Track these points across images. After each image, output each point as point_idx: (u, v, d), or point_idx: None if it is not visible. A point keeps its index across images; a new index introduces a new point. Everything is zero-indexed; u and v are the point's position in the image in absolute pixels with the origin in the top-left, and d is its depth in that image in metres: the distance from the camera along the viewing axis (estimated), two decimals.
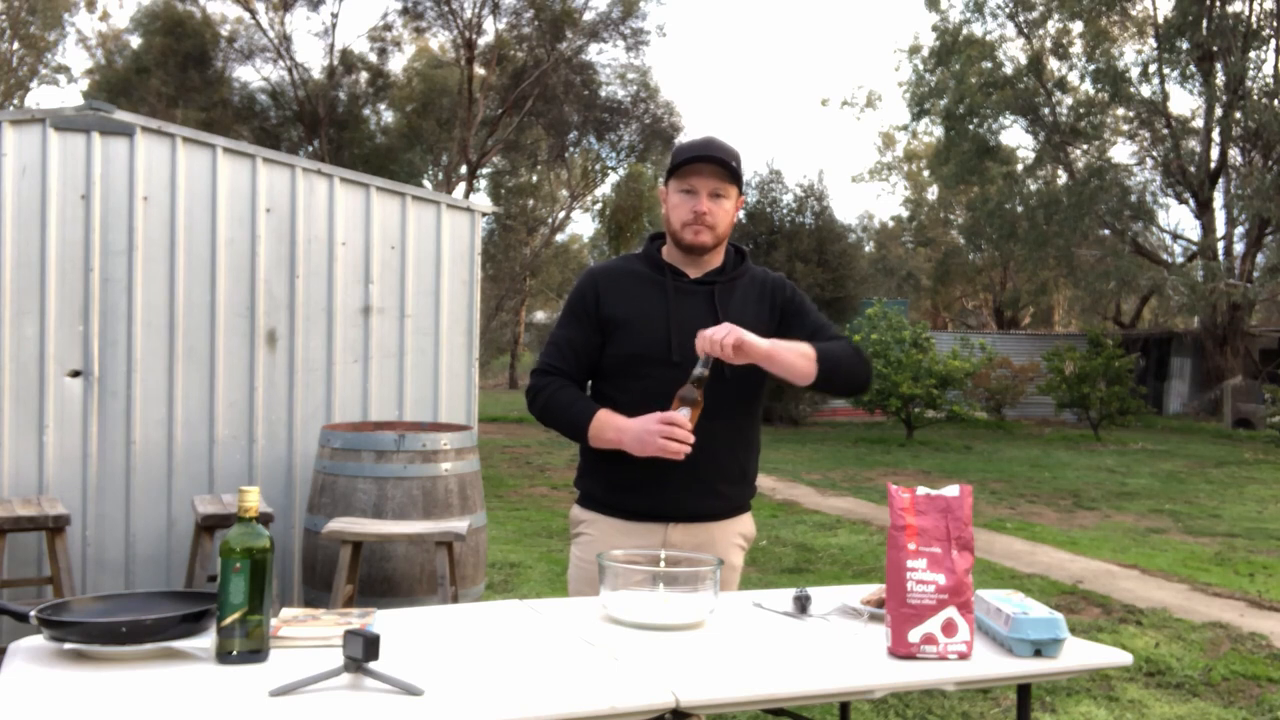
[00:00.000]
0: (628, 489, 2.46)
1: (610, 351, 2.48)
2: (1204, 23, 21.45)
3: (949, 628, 1.95)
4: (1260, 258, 22.04)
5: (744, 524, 2.60)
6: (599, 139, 29.01)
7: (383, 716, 1.57)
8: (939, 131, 28.17)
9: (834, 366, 2.43)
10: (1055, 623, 1.98)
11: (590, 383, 2.58)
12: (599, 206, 33.10)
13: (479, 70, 26.76)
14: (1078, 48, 24.57)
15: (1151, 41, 23.68)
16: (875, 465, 13.68)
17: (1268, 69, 21.77)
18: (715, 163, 2.42)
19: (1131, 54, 25.68)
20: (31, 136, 4.85)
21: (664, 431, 2.29)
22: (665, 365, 2.41)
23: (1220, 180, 22.71)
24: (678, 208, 2.47)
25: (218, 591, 1.79)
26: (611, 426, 2.39)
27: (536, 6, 25.61)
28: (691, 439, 2.29)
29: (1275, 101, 20.76)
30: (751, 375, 2.46)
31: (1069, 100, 24.69)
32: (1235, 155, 22.93)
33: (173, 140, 5.11)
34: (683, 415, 2.29)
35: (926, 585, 1.96)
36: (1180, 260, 25.34)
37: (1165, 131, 23.38)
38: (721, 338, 2.25)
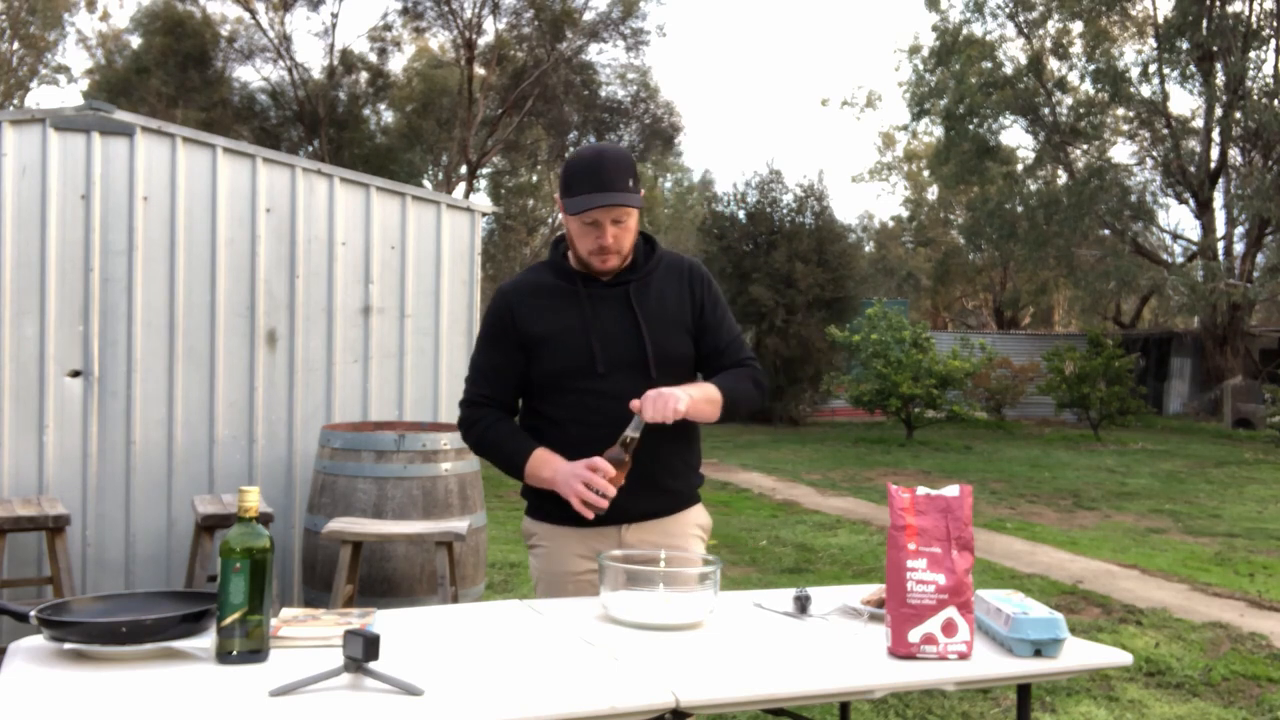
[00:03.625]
0: None
1: (536, 370, 2.44)
2: (1204, 23, 21.44)
3: (949, 628, 1.95)
4: (1260, 258, 22.04)
5: (698, 514, 2.59)
6: (599, 139, 29.00)
7: (383, 716, 1.57)
8: (939, 131, 28.16)
9: (732, 408, 2.45)
10: (1055, 623, 1.98)
11: (522, 401, 2.53)
12: None
13: (479, 70, 26.76)
14: (1078, 48, 24.59)
15: (1151, 41, 23.68)
16: (875, 465, 13.68)
17: (1268, 69, 21.78)
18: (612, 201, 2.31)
19: (1131, 54, 25.70)
20: (31, 136, 4.85)
21: (583, 481, 2.25)
22: (592, 377, 2.38)
23: (1220, 180, 22.71)
24: (581, 237, 2.38)
25: (218, 591, 1.79)
26: (547, 466, 2.36)
27: (536, 6, 25.61)
28: (610, 493, 2.25)
29: (1275, 101, 20.76)
30: (680, 372, 2.45)
31: (1069, 100, 24.69)
32: (1235, 155, 22.93)
33: (173, 140, 5.11)
34: (608, 468, 2.25)
35: (926, 585, 1.96)
36: (1180, 260, 25.34)
37: (1165, 131, 23.38)
38: (668, 414, 2.24)
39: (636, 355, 2.41)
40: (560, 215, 2.45)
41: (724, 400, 2.42)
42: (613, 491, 2.25)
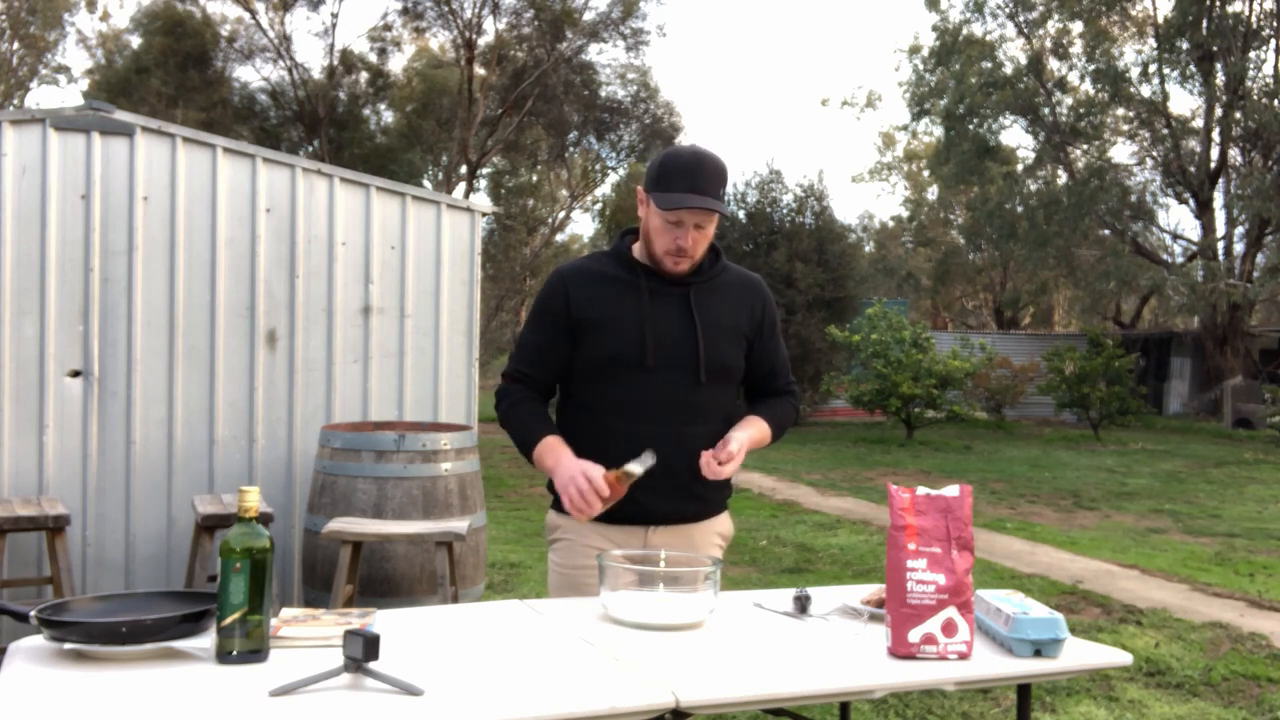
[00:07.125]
0: None
1: (582, 355, 2.42)
2: (1204, 23, 21.44)
3: (949, 628, 1.95)
4: (1260, 258, 22.05)
5: (722, 523, 2.62)
6: (599, 139, 28.98)
7: (383, 716, 1.57)
8: (939, 131, 28.17)
9: (777, 437, 2.60)
10: (1055, 623, 1.98)
11: (561, 386, 2.53)
12: (599, 206, 33.12)
13: (479, 70, 26.75)
14: (1078, 48, 24.58)
15: (1151, 41, 23.68)
16: (875, 465, 13.68)
17: (1268, 69, 21.78)
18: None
19: (1131, 54, 25.65)
20: (31, 136, 4.85)
21: (578, 488, 2.23)
22: (639, 369, 2.37)
23: (1220, 180, 22.71)
24: (660, 234, 2.37)
25: (218, 591, 1.79)
26: (552, 455, 2.36)
27: (536, 6, 25.60)
28: (596, 509, 2.25)
29: (1275, 101, 20.76)
30: (727, 380, 2.49)
31: (1069, 100, 24.68)
32: (1235, 155, 22.93)
33: (173, 140, 5.11)
34: (603, 486, 2.23)
35: (926, 585, 1.96)
36: (1180, 260, 25.33)
37: (1165, 131, 23.37)
38: (728, 471, 2.34)
39: (688, 356, 2.41)
40: (640, 208, 2.44)
41: (770, 438, 2.57)
42: (598, 508, 2.25)
